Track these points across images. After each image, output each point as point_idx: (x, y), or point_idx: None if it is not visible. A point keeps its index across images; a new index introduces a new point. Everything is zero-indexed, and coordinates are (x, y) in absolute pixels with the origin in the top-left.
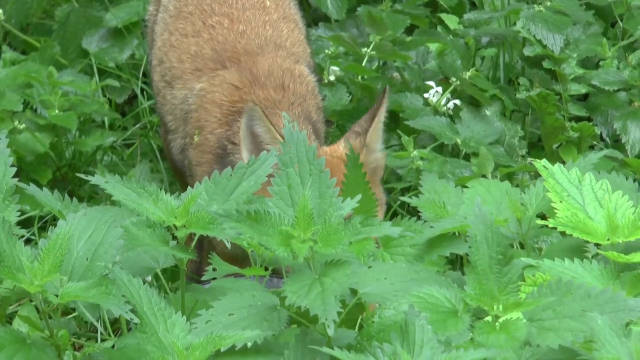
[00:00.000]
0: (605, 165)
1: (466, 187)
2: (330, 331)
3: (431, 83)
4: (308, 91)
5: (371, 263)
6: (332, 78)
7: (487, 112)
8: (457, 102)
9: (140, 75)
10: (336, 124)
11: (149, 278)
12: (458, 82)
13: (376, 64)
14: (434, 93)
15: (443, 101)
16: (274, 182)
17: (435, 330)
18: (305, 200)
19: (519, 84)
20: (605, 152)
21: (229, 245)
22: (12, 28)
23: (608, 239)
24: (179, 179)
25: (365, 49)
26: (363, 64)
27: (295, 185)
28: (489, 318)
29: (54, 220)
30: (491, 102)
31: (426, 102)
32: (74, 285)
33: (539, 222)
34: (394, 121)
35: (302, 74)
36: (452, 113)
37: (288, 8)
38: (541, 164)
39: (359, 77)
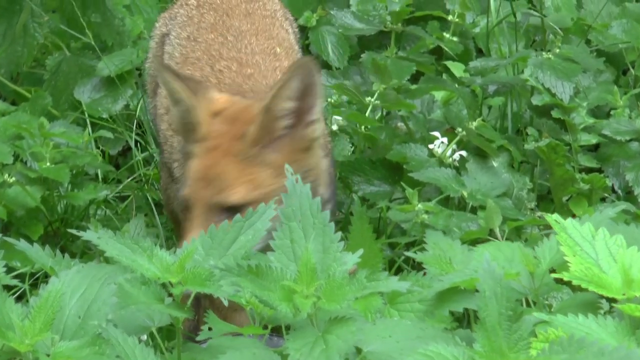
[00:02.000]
0: (618, 218)
1: (474, 246)
2: None
3: (436, 134)
4: None
5: (376, 320)
6: (334, 127)
7: (495, 164)
8: (463, 153)
9: (135, 127)
10: (338, 176)
11: (144, 337)
12: (464, 133)
13: (379, 113)
14: (439, 144)
15: (448, 152)
16: (276, 236)
17: None
18: (308, 254)
19: (527, 134)
20: (622, 206)
21: (226, 303)
22: (2, 78)
23: (624, 294)
24: (178, 232)
25: (369, 98)
26: (367, 113)
27: (298, 239)
28: None
29: (46, 277)
30: (499, 153)
31: (431, 154)
32: (66, 345)
33: (554, 275)
34: (398, 173)
35: None
36: (458, 165)
37: (298, 57)
38: (553, 218)
39: (362, 127)
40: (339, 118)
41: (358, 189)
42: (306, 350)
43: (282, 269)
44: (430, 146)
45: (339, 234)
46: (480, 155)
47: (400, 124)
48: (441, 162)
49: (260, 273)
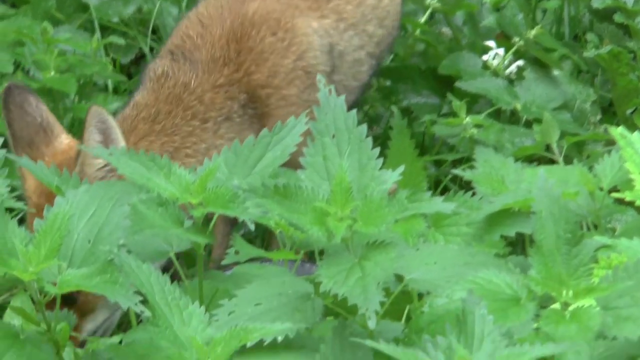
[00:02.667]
0: None
1: (528, 163)
2: (372, 323)
3: (491, 43)
4: (290, 51)
5: (419, 245)
6: None
7: (555, 73)
8: (520, 62)
9: (150, 32)
10: (377, 86)
11: (162, 263)
12: (521, 43)
13: (423, 16)
14: (494, 55)
15: (504, 63)
16: (307, 153)
17: (494, 320)
18: (342, 172)
19: (586, 40)
20: None
21: (252, 227)
22: None
23: None
24: None
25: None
26: (424, 18)
27: (332, 156)
28: (557, 306)
29: None
30: (560, 62)
31: (485, 65)
32: (74, 273)
33: (614, 195)
34: (449, 86)
35: (295, 30)
36: (515, 77)
37: None
38: (617, 131)
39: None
40: None
41: (403, 98)
42: (340, 278)
43: (313, 188)
44: (485, 57)
45: (377, 149)
46: (539, 64)
47: (445, 29)
48: (496, 75)
49: (288, 194)
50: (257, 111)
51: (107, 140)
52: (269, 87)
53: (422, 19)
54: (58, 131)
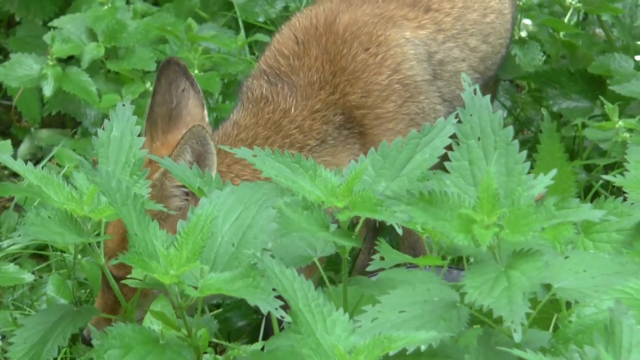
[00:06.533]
0: None
1: None
2: (517, 336)
3: None
4: (384, 66)
5: (568, 252)
6: (523, 34)
7: None
8: None
9: None
10: (527, 89)
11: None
12: None
13: (575, 18)
14: None
15: None
16: (452, 157)
17: None
18: (489, 177)
19: None
20: None
21: (400, 231)
22: None
23: None
24: None
25: (570, 0)
26: (566, 18)
27: (478, 160)
28: None
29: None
30: None
31: (638, 66)
32: (217, 276)
33: None
34: (599, 88)
35: (389, 42)
36: None
37: None
38: None
39: (560, 34)
40: (529, 22)
41: (553, 104)
42: (486, 288)
43: (459, 194)
44: (638, 57)
45: (524, 153)
46: None
47: (598, 30)
48: None
49: (434, 200)
50: (352, 131)
51: (199, 162)
52: (363, 107)
53: (565, 20)
54: (181, 125)
